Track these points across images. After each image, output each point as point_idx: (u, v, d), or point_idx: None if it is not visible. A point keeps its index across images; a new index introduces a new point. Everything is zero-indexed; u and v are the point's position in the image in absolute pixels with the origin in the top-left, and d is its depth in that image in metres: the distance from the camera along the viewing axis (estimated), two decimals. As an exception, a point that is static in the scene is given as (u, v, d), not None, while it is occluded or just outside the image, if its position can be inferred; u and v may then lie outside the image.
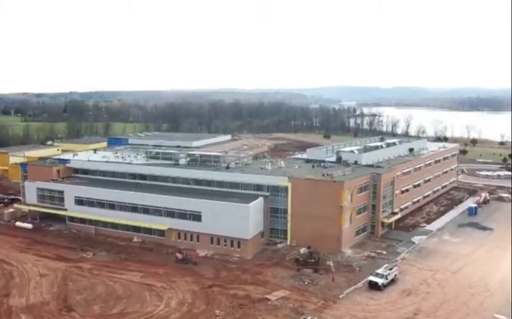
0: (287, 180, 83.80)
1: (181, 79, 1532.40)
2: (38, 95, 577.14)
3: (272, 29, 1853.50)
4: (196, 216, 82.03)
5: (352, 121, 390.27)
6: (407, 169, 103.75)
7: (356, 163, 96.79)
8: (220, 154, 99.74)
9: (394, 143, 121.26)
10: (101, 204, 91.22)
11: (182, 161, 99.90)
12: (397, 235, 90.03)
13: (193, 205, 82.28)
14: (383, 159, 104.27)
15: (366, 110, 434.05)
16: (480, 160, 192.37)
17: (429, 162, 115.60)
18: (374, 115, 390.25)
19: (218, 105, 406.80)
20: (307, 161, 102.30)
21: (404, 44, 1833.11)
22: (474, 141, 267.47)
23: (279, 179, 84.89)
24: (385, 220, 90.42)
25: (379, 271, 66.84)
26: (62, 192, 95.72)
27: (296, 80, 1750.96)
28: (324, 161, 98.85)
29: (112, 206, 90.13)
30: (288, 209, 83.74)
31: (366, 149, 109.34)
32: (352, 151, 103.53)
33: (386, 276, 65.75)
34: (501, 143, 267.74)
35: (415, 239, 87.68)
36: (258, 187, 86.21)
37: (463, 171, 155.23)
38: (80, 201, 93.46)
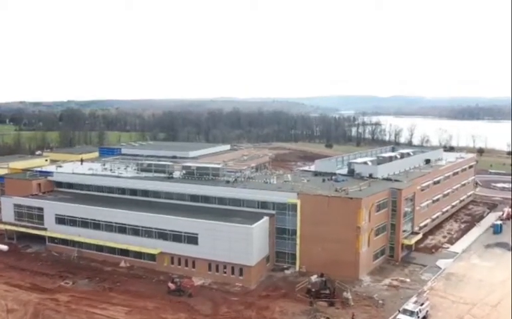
0: (296, 196, 73.44)
1: (180, 88, 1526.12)
2: (36, 104, 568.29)
3: (269, 39, 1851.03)
4: (192, 239, 71.48)
5: (353, 130, 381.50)
6: (426, 183, 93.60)
7: (370, 176, 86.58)
8: (219, 166, 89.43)
9: (409, 154, 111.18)
10: (84, 223, 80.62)
11: (177, 174, 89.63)
12: (420, 258, 79.63)
13: (189, 225, 71.80)
14: (399, 172, 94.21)
15: (365, 119, 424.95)
16: (492, 171, 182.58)
17: (447, 174, 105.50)
18: (376, 124, 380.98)
19: (216, 114, 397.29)
20: (316, 173, 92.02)
21: (402, 53, 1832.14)
22: (481, 151, 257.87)
23: (287, 195, 74.50)
24: (407, 242, 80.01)
25: (408, 307, 56.39)
26: (41, 209, 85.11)
27: (294, 89, 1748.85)
28: (335, 174, 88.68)
29: (96, 225, 79.57)
30: (297, 229, 73.32)
31: (380, 161, 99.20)
32: (366, 163, 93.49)
33: (417, 314, 55.33)
34: (509, 153, 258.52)
35: (441, 263, 77.29)
36: (263, 205, 75.83)
37: (477, 184, 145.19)
38: (61, 220, 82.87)
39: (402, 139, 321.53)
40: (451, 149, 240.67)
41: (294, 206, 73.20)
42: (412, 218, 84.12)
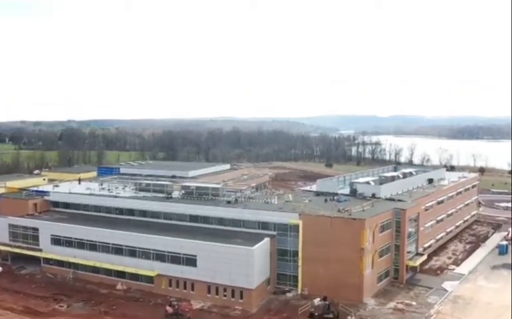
0: (298, 217, 71.61)
1: (180, 107, 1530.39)
2: (36, 123, 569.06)
3: (269, 58, 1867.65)
4: (190, 261, 69.41)
5: (353, 149, 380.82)
6: (430, 203, 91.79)
7: (373, 196, 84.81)
8: (219, 186, 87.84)
9: (411, 173, 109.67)
10: (81, 244, 78.60)
11: (176, 194, 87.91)
12: (425, 280, 77.42)
13: (187, 246, 69.79)
14: (402, 192, 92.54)
15: (365, 139, 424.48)
16: (494, 190, 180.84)
17: (451, 194, 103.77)
18: (376, 143, 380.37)
19: (216, 133, 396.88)
20: (317, 193, 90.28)
21: (400, 73, 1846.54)
22: (482, 170, 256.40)
23: (288, 215, 72.68)
24: (412, 264, 77.86)
25: (416, 332, 54.26)
26: (36, 229, 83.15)
27: (293, 109, 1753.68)
28: (337, 194, 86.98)
29: (93, 246, 77.53)
30: (298, 251, 71.31)
31: (382, 181, 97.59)
32: (368, 183, 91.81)
33: (425, 339, 53.18)
34: (510, 172, 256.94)
35: (447, 285, 75.08)
36: (264, 225, 73.95)
37: (480, 203, 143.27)
38: (56, 240, 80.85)
39: (402, 159, 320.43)
40: (451, 168, 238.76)
41: (295, 227, 71.33)
42: (416, 239, 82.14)
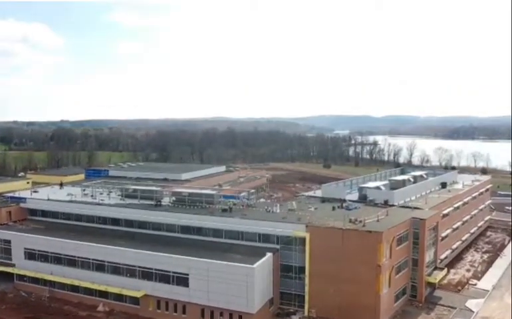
0: (304, 229, 62.82)
1: (175, 107, 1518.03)
2: (29, 123, 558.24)
3: (262, 58, 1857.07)
4: (182, 280, 60.51)
5: (351, 150, 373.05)
6: (447, 210, 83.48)
7: (386, 203, 76.36)
8: (213, 193, 78.89)
9: (422, 177, 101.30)
10: (58, 259, 69.49)
11: (166, 201, 78.95)
12: (446, 298, 68.98)
13: (178, 263, 60.83)
14: (415, 197, 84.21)
15: (361, 139, 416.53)
16: (502, 192, 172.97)
17: (467, 199, 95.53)
18: (373, 143, 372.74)
19: (211, 133, 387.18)
20: (323, 200, 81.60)
21: (395, 73, 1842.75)
22: (484, 171, 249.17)
23: (293, 227, 63.87)
24: (431, 280, 69.33)
25: None
26: (8, 242, 73.93)
27: (287, 109, 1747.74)
28: (345, 201, 78.45)
29: (72, 262, 68.44)
30: (305, 267, 62.56)
31: (393, 185, 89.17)
32: (379, 188, 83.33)
33: None
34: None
35: (471, 304, 66.71)
36: (265, 238, 65.15)
37: (492, 208, 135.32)
38: (31, 255, 71.69)
39: (401, 159, 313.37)
40: (453, 169, 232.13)
41: (302, 240, 62.59)
42: (435, 251, 73.61)
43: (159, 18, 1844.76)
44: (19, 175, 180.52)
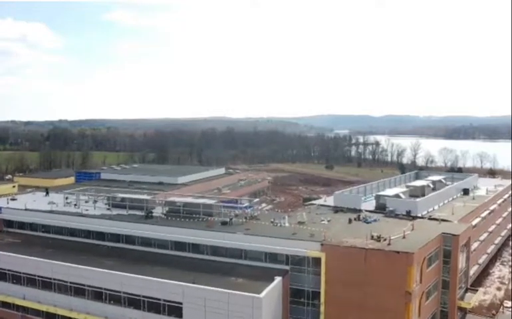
0: (319, 248, 53.41)
1: (173, 107, 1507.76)
2: (27, 123, 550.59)
3: (261, 57, 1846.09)
4: (174, 310, 51.02)
5: (353, 150, 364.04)
6: (475, 221, 74.18)
7: (408, 214, 67.00)
8: (212, 203, 69.37)
9: (441, 182, 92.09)
10: (32, 281, 59.96)
11: (158, 212, 69.48)
12: (481, 326, 59.91)
13: (170, 290, 51.30)
14: (438, 207, 74.92)
15: (362, 139, 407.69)
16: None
17: (493, 207, 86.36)
18: (375, 143, 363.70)
19: (210, 133, 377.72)
20: (336, 210, 72.16)
21: (393, 73, 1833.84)
22: (492, 172, 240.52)
23: (306, 245, 54.39)
24: (466, 305, 60.06)
25: None
26: (-24, 260, 64.40)
27: (286, 109, 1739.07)
28: (361, 211, 69.17)
29: (47, 285, 58.88)
30: (320, 292, 53.19)
31: (412, 192, 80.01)
32: (398, 196, 73.98)
33: None
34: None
35: (511, 334, 57.59)
36: (273, 257, 55.78)
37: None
38: (1, 275, 62.17)
39: (405, 160, 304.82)
40: (459, 170, 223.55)
41: (316, 260, 53.18)
42: (467, 270, 64.32)
43: (158, 18, 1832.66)
44: (6, 178, 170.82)
